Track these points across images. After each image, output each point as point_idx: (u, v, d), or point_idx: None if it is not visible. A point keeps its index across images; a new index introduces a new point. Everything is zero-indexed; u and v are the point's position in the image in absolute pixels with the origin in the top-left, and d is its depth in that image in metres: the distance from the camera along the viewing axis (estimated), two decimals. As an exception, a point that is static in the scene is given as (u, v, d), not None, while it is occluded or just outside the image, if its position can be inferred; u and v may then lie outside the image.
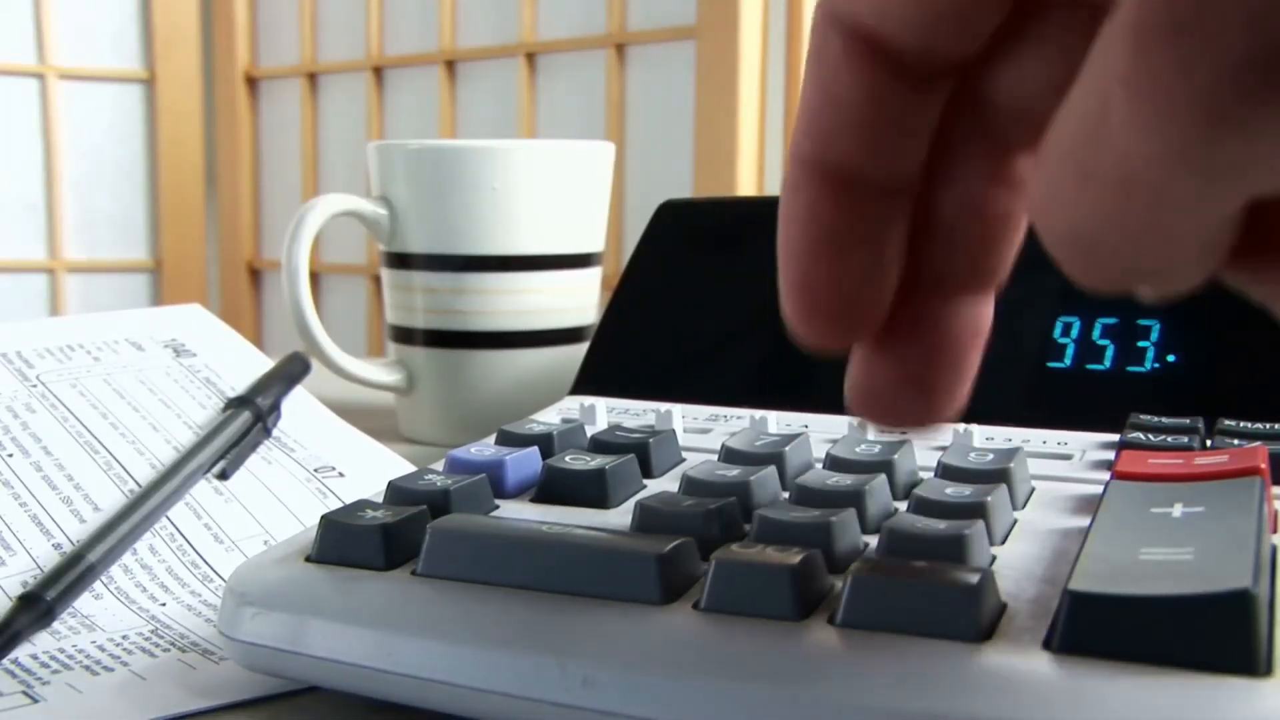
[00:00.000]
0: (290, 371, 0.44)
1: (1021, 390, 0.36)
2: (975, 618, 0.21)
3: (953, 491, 0.27)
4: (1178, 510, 0.24)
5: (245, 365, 0.45)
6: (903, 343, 0.21)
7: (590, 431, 0.35)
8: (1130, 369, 0.35)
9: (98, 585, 0.32)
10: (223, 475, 0.38)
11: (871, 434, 0.33)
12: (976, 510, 0.26)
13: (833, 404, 0.38)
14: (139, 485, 0.37)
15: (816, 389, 0.39)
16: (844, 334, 0.21)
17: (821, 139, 0.20)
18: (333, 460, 0.40)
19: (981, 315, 0.22)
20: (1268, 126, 0.13)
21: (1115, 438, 0.33)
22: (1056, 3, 0.18)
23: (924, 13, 0.18)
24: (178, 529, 0.35)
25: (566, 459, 0.31)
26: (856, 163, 0.20)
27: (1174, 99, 0.13)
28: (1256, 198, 0.15)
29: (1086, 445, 0.33)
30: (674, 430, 0.34)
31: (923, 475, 0.31)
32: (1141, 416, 0.33)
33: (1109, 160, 0.15)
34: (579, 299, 0.52)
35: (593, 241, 0.53)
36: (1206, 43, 0.13)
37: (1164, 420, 0.33)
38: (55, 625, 0.30)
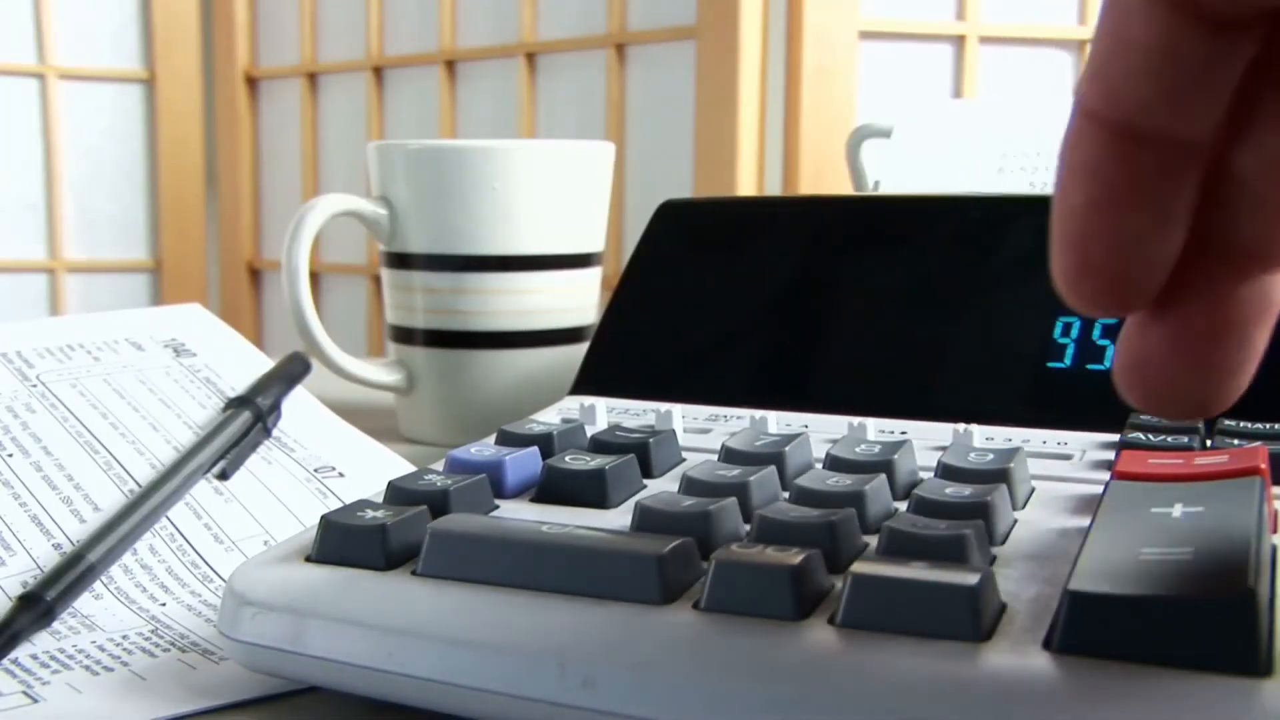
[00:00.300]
0: (290, 371, 0.44)
1: (1021, 390, 0.36)
2: (975, 618, 0.21)
3: (953, 491, 0.27)
4: (1178, 510, 0.24)
5: (245, 365, 0.45)
6: (1184, 313, 0.20)
7: (590, 431, 0.35)
8: (1130, 369, 0.35)
9: (98, 585, 0.32)
10: (223, 475, 0.38)
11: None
12: (976, 510, 0.26)
13: (833, 404, 0.38)
14: (139, 485, 0.37)
15: (816, 389, 0.39)
16: (1117, 299, 0.19)
17: (1111, 88, 0.18)
18: (333, 460, 0.40)
19: (1273, 291, 0.20)
20: None
21: (1115, 438, 0.33)
22: None
23: None
24: (178, 529, 0.35)
25: (566, 459, 0.31)
26: (1147, 115, 0.18)
27: None
28: None
29: (1086, 445, 0.33)
30: (674, 430, 0.34)
31: (923, 475, 0.31)
32: (1141, 416, 0.33)
33: None
34: (579, 299, 0.52)
35: (593, 241, 0.53)
36: None
37: (1164, 420, 0.33)
38: (55, 625, 0.30)
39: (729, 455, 0.32)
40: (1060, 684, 0.19)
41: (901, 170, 0.64)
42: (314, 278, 1.45)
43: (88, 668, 0.28)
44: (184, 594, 0.32)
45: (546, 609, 0.23)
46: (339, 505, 0.36)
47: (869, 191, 0.68)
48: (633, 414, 0.39)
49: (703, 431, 0.37)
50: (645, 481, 0.32)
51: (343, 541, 0.26)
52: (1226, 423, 0.32)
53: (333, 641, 0.24)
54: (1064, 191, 0.19)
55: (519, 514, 0.29)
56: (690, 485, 0.29)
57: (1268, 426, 0.32)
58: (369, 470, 0.40)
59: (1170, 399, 0.20)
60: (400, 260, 0.52)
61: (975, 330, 0.38)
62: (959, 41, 1.35)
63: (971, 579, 0.21)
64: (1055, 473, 0.31)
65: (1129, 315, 0.20)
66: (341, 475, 0.39)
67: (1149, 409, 0.20)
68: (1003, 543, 0.26)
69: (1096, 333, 0.36)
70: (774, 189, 1.39)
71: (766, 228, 0.44)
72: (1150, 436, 0.31)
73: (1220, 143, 0.19)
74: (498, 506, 0.30)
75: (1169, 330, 0.20)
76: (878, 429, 0.36)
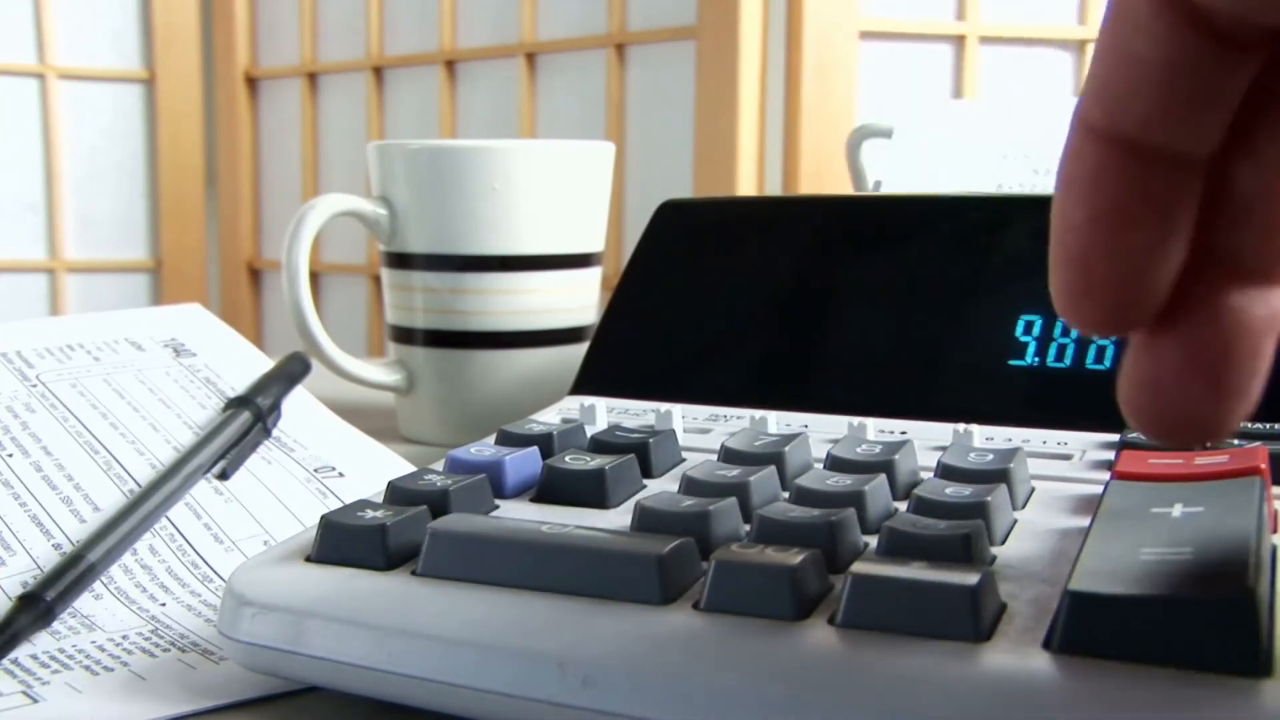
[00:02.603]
0: (290, 371, 0.44)
1: (1021, 390, 0.36)
2: (975, 618, 0.21)
3: (953, 491, 0.27)
4: (1178, 510, 0.24)
5: (245, 365, 0.45)
6: (1191, 329, 0.19)
7: (590, 431, 0.35)
8: (1130, 369, 0.35)
9: (98, 585, 0.32)
10: (223, 475, 0.38)
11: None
12: (976, 510, 0.26)
13: (833, 404, 0.38)
14: (139, 485, 0.37)
15: (816, 389, 0.39)
16: (1118, 317, 0.19)
17: (1115, 102, 0.18)
18: (333, 460, 0.40)
19: (1278, 304, 0.20)
20: None
21: (1115, 438, 0.33)
22: None
23: None
24: (178, 529, 0.35)
25: (566, 459, 0.31)
26: (1151, 129, 0.18)
27: None
28: None
29: (1086, 445, 0.33)
30: (674, 430, 0.34)
31: (923, 475, 0.31)
32: (1141, 416, 0.33)
33: None
34: (579, 299, 0.52)
35: (593, 241, 0.53)
36: None
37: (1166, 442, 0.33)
38: (55, 625, 0.30)
39: (729, 455, 0.32)
40: (1060, 684, 0.19)
41: (902, 170, 0.64)
42: (314, 278, 1.45)
43: (88, 668, 0.28)
44: (184, 594, 0.32)
45: (546, 609, 0.23)
46: (339, 505, 0.36)
47: (869, 191, 0.68)
48: (633, 414, 0.39)
49: (703, 431, 0.37)
50: (645, 481, 0.32)
51: (343, 541, 0.26)
52: (1226, 423, 0.32)
53: (333, 641, 0.24)
54: (1064, 207, 0.19)
55: (519, 514, 0.29)
56: (690, 485, 0.29)
57: (1268, 426, 0.32)
58: (369, 470, 0.40)
59: (1182, 421, 0.19)
60: (400, 260, 0.52)
61: (975, 330, 0.38)
62: (959, 41, 1.35)
63: (971, 579, 0.21)
64: (1055, 473, 0.31)
65: (1128, 334, 0.20)
66: (341, 475, 0.39)
67: (1157, 433, 0.20)
68: (1003, 543, 0.26)
69: (1096, 333, 0.36)
70: (774, 189, 1.39)
71: (766, 228, 0.44)
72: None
73: (1220, 159, 0.19)
74: (498, 507, 0.30)
75: (1182, 347, 0.19)
76: (878, 429, 0.36)
